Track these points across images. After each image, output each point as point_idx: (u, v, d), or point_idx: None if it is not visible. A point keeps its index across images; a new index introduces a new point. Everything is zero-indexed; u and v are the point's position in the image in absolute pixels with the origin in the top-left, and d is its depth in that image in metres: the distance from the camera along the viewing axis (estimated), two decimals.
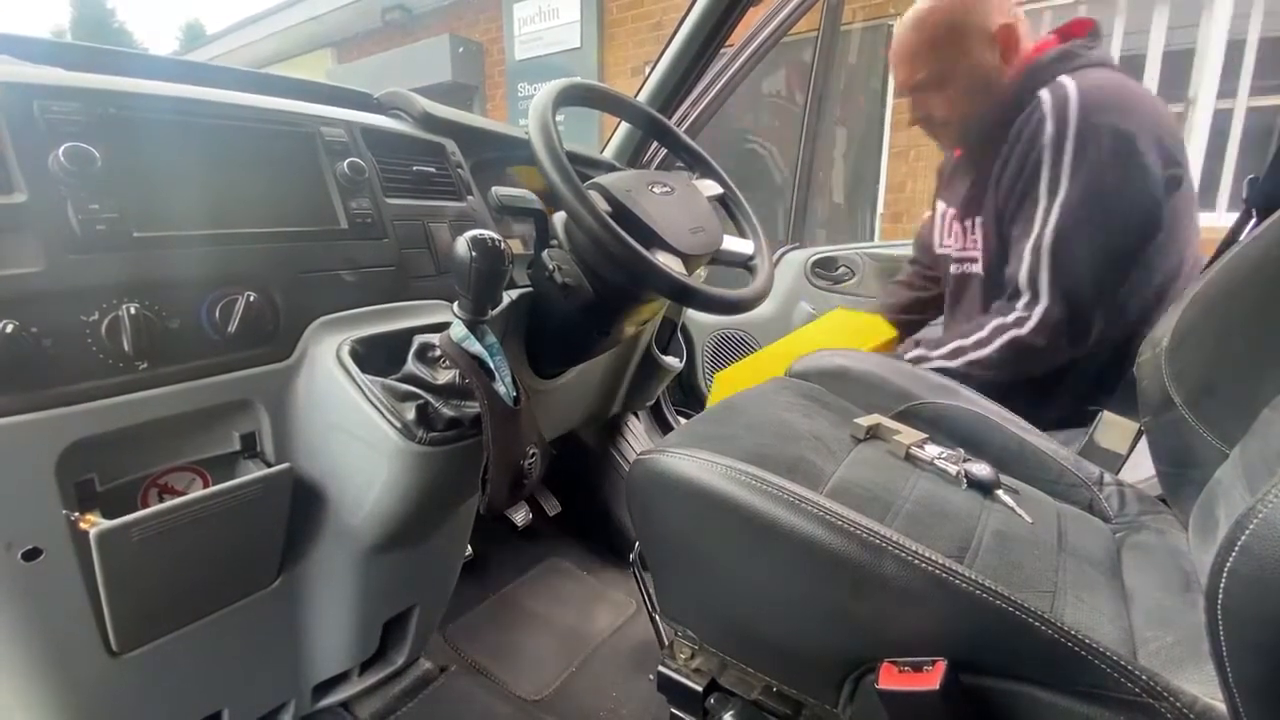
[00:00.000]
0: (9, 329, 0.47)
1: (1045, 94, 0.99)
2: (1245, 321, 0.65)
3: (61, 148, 0.51)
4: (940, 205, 1.27)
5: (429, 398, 0.66)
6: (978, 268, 1.15)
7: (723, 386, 1.30)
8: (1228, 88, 2.67)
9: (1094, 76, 1.00)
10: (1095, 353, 1.06)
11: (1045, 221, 0.99)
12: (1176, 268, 1.04)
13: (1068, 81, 0.99)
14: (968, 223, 1.17)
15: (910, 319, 1.42)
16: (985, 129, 1.08)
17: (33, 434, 0.49)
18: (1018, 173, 1.02)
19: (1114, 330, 1.03)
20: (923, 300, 1.42)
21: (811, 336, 1.42)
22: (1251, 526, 0.34)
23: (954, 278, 1.22)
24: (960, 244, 1.19)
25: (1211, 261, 0.89)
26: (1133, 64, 2.83)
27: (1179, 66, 2.75)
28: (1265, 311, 0.63)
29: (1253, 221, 0.96)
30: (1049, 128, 0.97)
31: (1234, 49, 2.62)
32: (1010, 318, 1.04)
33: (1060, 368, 1.07)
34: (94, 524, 0.52)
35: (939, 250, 1.27)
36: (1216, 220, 2.71)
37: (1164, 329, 0.73)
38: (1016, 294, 1.04)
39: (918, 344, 1.18)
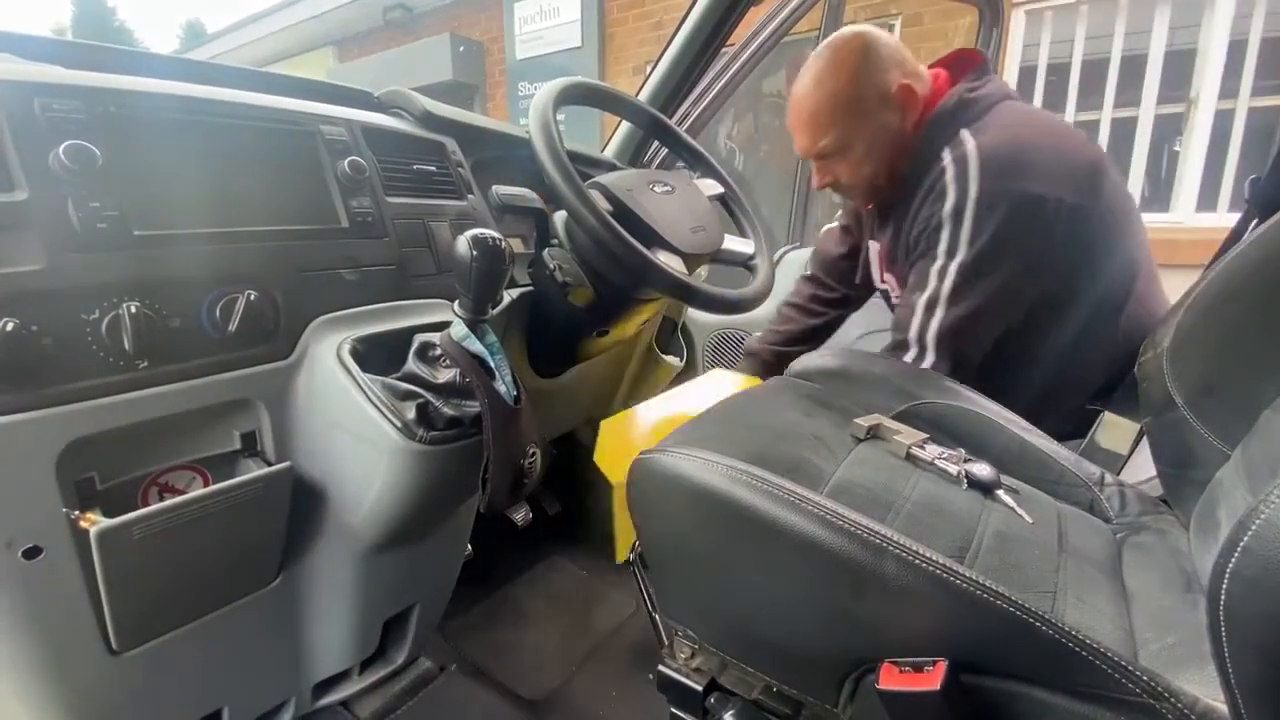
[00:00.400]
0: (9, 327, 0.47)
1: (947, 156, 0.99)
2: (1247, 322, 0.65)
3: (62, 146, 0.51)
4: (873, 245, 1.25)
5: (429, 397, 0.66)
6: None
7: (608, 434, 1.20)
8: (1229, 88, 2.67)
9: (993, 128, 0.99)
10: (1096, 358, 1.06)
11: (941, 280, 0.99)
12: (1129, 271, 1.04)
13: (968, 140, 0.98)
14: (888, 276, 1.17)
15: (797, 351, 1.33)
16: (895, 188, 1.08)
17: (33, 432, 0.49)
18: (920, 233, 1.03)
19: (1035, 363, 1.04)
20: (814, 329, 1.39)
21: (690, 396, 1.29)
22: (1253, 528, 0.34)
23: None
24: (895, 291, 1.19)
25: (1213, 262, 0.89)
26: (1134, 64, 2.83)
27: (1180, 66, 2.75)
28: (1267, 312, 0.63)
29: (1254, 223, 0.96)
30: (951, 196, 0.97)
31: (1236, 49, 2.62)
32: None
33: (1060, 371, 1.07)
34: (94, 522, 0.52)
35: (879, 285, 1.27)
36: (1218, 221, 2.71)
37: (1165, 330, 0.73)
38: (904, 346, 1.04)
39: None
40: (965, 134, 0.99)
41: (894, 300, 1.21)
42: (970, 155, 0.96)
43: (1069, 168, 0.97)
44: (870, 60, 1.00)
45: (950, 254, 0.98)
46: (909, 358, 1.02)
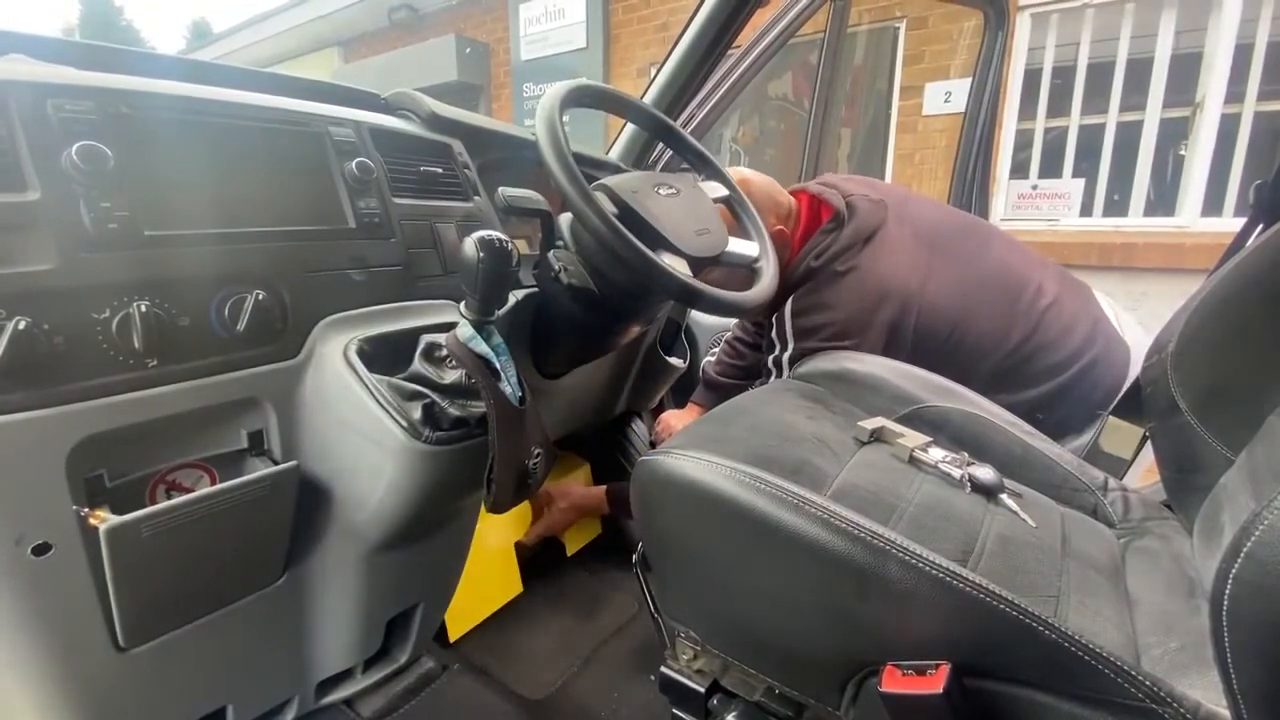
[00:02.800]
0: (21, 325, 0.47)
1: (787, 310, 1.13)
2: (1251, 328, 0.65)
3: (74, 146, 0.52)
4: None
5: (435, 397, 0.66)
6: None
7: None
8: (1235, 92, 2.66)
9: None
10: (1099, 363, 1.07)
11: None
12: (1015, 293, 1.11)
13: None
14: None
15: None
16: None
17: (44, 430, 0.50)
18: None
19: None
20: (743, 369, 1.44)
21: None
22: (1257, 533, 0.34)
23: None
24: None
25: (1218, 267, 0.89)
26: (1140, 68, 2.82)
27: (1186, 70, 2.74)
28: (1271, 318, 0.63)
29: (1259, 228, 0.96)
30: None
31: (1242, 53, 2.61)
32: None
33: (1064, 375, 1.08)
34: (104, 519, 0.52)
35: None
36: (1223, 225, 2.70)
37: (1170, 334, 0.73)
38: None
39: None
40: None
41: None
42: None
43: (908, 277, 1.10)
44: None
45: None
46: None
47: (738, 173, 1.13)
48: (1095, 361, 1.09)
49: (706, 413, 1.41)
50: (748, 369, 1.41)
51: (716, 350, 1.51)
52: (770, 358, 1.17)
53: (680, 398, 1.53)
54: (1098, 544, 0.71)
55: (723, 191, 0.94)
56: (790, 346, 1.13)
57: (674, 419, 1.43)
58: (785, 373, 1.13)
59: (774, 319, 1.16)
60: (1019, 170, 3.19)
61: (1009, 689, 0.50)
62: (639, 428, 1.43)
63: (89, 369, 0.52)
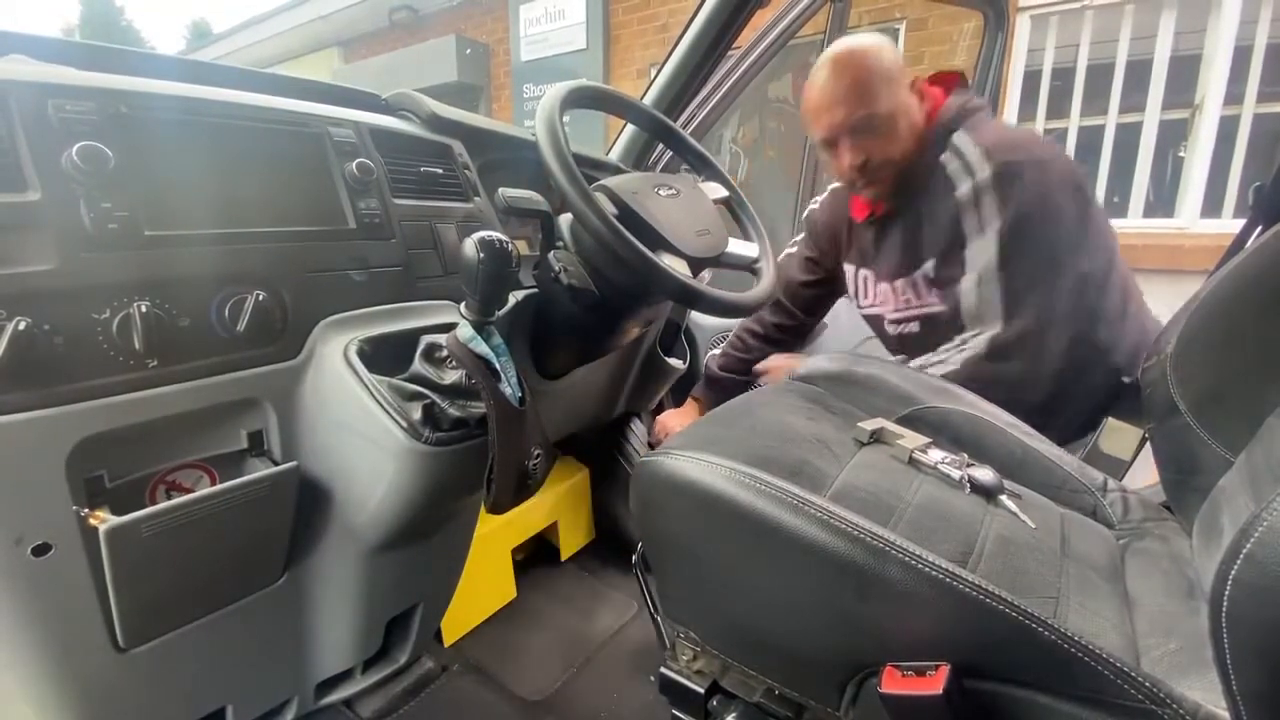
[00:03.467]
0: (22, 326, 0.47)
1: (948, 155, 1.06)
2: (1251, 329, 0.65)
3: (75, 147, 0.52)
4: (850, 268, 1.29)
5: (435, 398, 0.66)
6: (941, 315, 1.16)
7: None
8: (1234, 93, 2.66)
9: (984, 129, 1.06)
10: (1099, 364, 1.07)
11: (982, 255, 1.02)
12: (1105, 274, 1.07)
13: (964, 140, 1.05)
14: (898, 283, 1.19)
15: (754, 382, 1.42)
16: (912, 176, 1.10)
17: (44, 430, 0.50)
18: (939, 227, 1.07)
19: (1073, 344, 1.05)
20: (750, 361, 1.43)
21: None
22: (1256, 534, 0.34)
23: (896, 337, 1.25)
24: (894, 304, 1.21)
25: (1217, 268, 0.89)
26: (1139, 69, 2.82)
27: (1186, 72, 2.74)
28: (1270, 319, 0.63)
29: (1258, 230, 0.96)
30: (963, 184, 1.02)
31: (1241, 55, 2.62)
32: (968, 353, 1.06)
33: (1063, 375, 1.07)
34: (103, 520, 0.52)
35: (865, 310, 1.29)
36: (1222, 227, 2.70)
37: (1169, 336, 0.73)
38: (961, 328, 1.07)
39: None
40: (960, 135, 1.05)
41: (891, 317, 1.22)
42: (969, 148, 1.03)
43: (1061, 152, 1.07)
44: (893, 53, 1.08)
45: (982, 230, 1.01)
46: (974, 339, 1.05)
47: (866, 37, 1.09)
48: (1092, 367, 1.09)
49: (705, 408, 1.44)
50: (753, 364, 1.41)
51: (721, 347, 1.51)
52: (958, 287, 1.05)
53: (679, 398, 1.53)
54: (1097, 545, 0.71)
55: (723, 192, 0.94)
56: (994, 220, 0.99)
57: (672, 419, 1.43)
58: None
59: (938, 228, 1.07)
60: None
61: (1008, 690, 0.50)
62: (638, 428, 1.43)
63: (89, 369, 0.52)
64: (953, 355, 1.07)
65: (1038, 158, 1.00)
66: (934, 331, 1.17)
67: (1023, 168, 0.99)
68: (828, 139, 1.11)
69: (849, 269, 1.30)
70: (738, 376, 1.41)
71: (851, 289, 1.31)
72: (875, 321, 1.28)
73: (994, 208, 1.00)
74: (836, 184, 1.32)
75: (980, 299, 1.03)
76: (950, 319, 1.13)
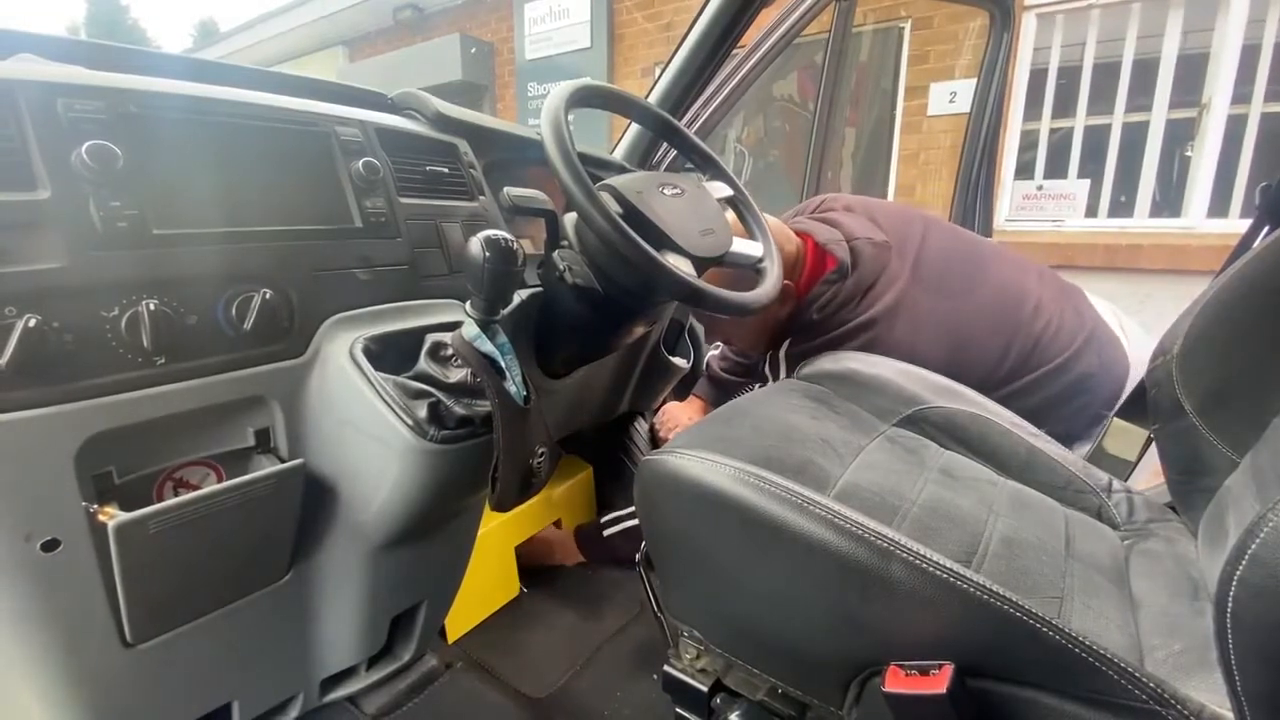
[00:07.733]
0: (31, 323, 0.47)
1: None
2: (1257, 330, 0.65)
3: (84, 146, 0.52)
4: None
5: (441, 396, 0.66)
6: None
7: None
8: (1242, 93, 2.65)
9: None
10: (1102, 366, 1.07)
11: None
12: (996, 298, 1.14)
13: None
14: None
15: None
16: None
17: (54, 427, 0.50)
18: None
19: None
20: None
21: None
22: (1262, 535, 0.34)
23: None
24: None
25: (1223, 269, 0.89)
26: (1146, 68, 2.81)
27: (1193, 71, 2.73)
28: (1277, 320, 0.63)
29: (1265, 230, 0.96)
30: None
31: (1249, 54, 2.60)
32: None
33: (1065, 376, 1.08)
34: (112, 516, 0.52)
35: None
36: (1229, 227, 2.69)
37: (1175, 336, 0.73)
38: None
39: None
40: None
41: None
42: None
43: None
44: None
45: None
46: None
47: None
48: (1090, 373, 1.10)
49: (708, 406, 1.44)
50: (751, 367, 1.42)
51: (722, 348, 1.52)
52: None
53: (683, 397, 1.53)
54: (1102, 546, 0.71)
55: (727, 191, 0.93)
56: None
57: (676, 410, 1.43)
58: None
59: (767, 357, 1.19)
60: (1024, 171, 3.18)
61: (1012, 690, 0.50)
62: (642, 427, 1.43)
63: (98, 367, 0.52)
64: None
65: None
66: None
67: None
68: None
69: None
70: (739, 379, 1.42)
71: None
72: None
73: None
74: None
75: None
76: None
